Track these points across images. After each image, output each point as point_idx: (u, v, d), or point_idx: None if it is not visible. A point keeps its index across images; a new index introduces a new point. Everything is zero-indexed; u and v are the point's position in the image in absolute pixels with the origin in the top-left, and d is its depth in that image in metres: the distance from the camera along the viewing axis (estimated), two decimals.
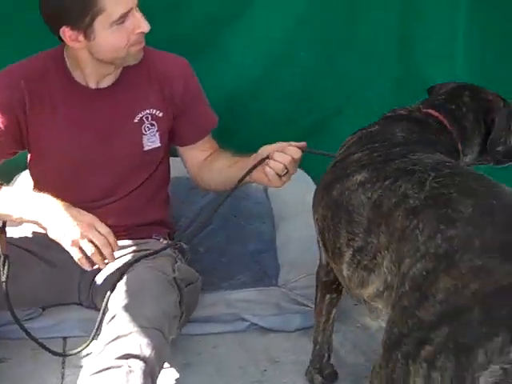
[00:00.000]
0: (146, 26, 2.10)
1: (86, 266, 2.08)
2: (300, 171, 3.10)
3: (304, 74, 3.05)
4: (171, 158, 2.51)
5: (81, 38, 2.10)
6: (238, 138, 2.91)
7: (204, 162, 2.42)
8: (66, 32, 2.10)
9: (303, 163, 2.13)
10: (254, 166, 2.13)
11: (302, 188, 2.79)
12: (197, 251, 2.69)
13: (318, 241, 2.04)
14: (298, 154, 2.09)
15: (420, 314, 1.36)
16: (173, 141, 2.43)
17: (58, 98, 2.24)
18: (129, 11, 2.07)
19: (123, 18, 2.07)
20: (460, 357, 1.26)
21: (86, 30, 2.08)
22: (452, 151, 1.98)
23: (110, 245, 2.06)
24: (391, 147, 1.83)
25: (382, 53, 3.04)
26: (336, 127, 3.08)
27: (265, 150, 2.14)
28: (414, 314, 1.38)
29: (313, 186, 2.90)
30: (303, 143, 2.13)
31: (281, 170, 2.09)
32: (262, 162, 2.12)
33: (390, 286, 1.59)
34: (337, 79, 3.06)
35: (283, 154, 2.08)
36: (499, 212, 1.44)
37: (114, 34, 2.09)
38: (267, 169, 2.10)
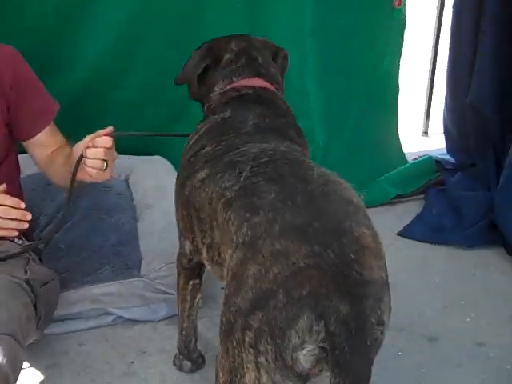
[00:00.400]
0: None
1: None
2: (157, 157, 3.12)
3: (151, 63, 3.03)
4: None
5: None
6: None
7: (49, 158, 2.32)
8: None
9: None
10: (75, 170, 2.06)
11: (161, 174, 2.77)
12: (58, 248, 2.62)
13: (178, 229, 2.04)
14: (108, 142, 1.98)
15: (238, 300, 1.40)
16: (15, 135, 2.32)
17: None
18: None
19: None
20: (276, 339, 1.32)
21: None
22: (297, 128, 2.03)
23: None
24: (235, 138, 1.80)
25: None
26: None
27: (78, 148, 2.05)
28: (234, 301, 1.41)
29: (172, 170, 2.92)
30: (109, 129, 2.01)
31: (100, 166, 1.98)
32: (79, 162, 2.03)
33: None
34: None
35: (95, 148, 1.99)
36: (301, 195, 1.48)
37: None
38: (88, 169, 2.01)
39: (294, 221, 1.41)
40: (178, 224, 2.02)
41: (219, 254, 1.67)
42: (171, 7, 2.95)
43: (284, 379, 1.36)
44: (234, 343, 1.41)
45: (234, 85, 2.04)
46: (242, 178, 1.57)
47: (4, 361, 1.91)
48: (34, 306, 2.12)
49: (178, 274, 2.19)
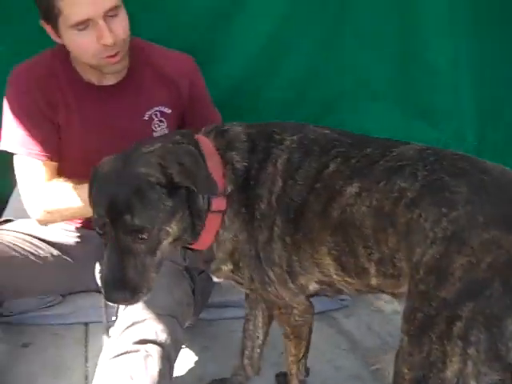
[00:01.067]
0: (107, 39, 2.07)
1: None
2: None
3: (306, 61, 3.04)
4: None
5: (54, 34, 2.17)
6: None
7: None
8: (45, 25, 2.17)
9: None
10: None
11: None
12: None
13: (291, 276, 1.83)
14: None
15: (442, 294, 1.43)
16: None
17: (69, 96, 2.28)
18: (87, 20, 2.07)
19: (81, 24, 2.08)
20: (491, 328, 1.35)
21: (54, 27, 2.14)
22: None
23: None
24: (357, 150, 1.74)
25: (383, 36, 3.02)
26: (341, 111, 3.08)
27: None
28: (436, 295, 1.44)
29: None
30: None
31: None
32: None
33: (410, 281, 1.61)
34: (339, 65, 3.05)
35: None
36: (491, 186, 1.52)
37: (77, 38, 2.11)
38: None
39: (496, 211, 1.45)
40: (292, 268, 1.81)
41: (394, 265, 1.64)
42: (319, 8, 2.94)
43: (490, 371, 1.38)
44: (434, 337, 1.43)
45: None
46: (419, 178, 1.58)
47: (168, 340, 2.05)
48: (193, 292, 2.24)
49: (298, 327, 1.97)
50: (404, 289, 1.65)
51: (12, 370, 2.38)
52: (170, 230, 1.70)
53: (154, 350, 2.03)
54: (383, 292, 1.82)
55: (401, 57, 3.01)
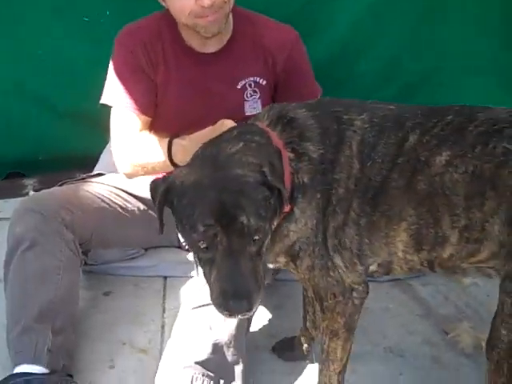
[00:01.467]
0: (204, 1, 2.09)
1: None
2: None
3: (406, 33, 3.01)
4: None
5: None
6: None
7: None
8: None
9: None
10: None
11: None
12: None
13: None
14: None
15: None
16: None
17: (170, 57, 2.32)
18: None
19: None
20: None
21: None
22: None
23: None
24: (436, 119, 1.71)
25: (487, 10, 2.95)
26: (437, 84, 3.04)
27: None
28: None
29: None
30: None
31: None
32: None
33: (504, 244, 1.60)
34: (439, 37, 3.00)
35: None
36: None
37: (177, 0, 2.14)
38: None
39: None
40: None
41: (482, 229, 1.62)
42: None
43: None
44: None
45: None
46: None
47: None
48: None
49: (353, 314, 1.87)
50: (481, 256, 1.65)
51: (92, 316, 2.49)
52: (271, 228, 1.66)
53: None
54: (432, 268, 1.77)
55: (505, 32, 2.99)
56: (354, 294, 1.83)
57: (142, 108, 2.31)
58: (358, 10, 2.94)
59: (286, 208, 1.71)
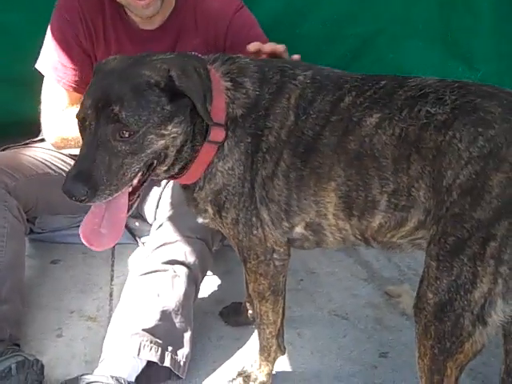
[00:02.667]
0: None
1: None
2: None
3: None
4: None
5: None
6: None
7: None
8: None
9: None
10: None
11: None
12: None
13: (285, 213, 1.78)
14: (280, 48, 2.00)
15: (477, 214, 1.46)
16: None
17: (111, 33, 2.27)
18: None
19: None
20: None
21: None
22: None
23: None
24: (371, 83, 1.72)
25: None
26: (378, 48, 3.06)
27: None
28: (471, 216, 1.47)
29: None
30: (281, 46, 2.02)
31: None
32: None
33: (430, 210, 1.62)
34: (377, 2, 3.02)
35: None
36: None
37: None
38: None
39: None
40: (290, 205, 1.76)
41: (409, 194, 1.64)
42: None
43: None
44: (465, 259, 1.48)
45: None
46: (447, 102, 1.59)
47: (196, 262, 2.14)
48: None
49: (276, 276, 1.88)
50: (409, 225, 1.67)
51: (41, 285, 2.49)
52: (167, 133, 1.63)
53: (182, 271, 2.12)
54: (367, 241, 1.79)
55: None
56: (275, 256, 1.84)
57: (74, 83, 2.27)
58: None
59: (217, 135, 1.71)
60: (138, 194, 1.70)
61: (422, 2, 3.01)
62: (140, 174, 1.65)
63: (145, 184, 1.70)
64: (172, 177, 1.81)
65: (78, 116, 1.64)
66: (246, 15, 2.33)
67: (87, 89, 1.68)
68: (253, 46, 1.97)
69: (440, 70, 2.88)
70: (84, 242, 1.66)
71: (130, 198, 1.68)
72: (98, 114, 1.59)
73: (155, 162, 1.66)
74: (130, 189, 1.67)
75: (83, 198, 1.57)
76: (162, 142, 1.64)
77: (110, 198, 1.60)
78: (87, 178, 1.56)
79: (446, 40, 3.06)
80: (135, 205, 1.72)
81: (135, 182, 1.66)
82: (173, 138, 1.65)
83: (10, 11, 2.92)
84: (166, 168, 1.72)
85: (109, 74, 1.67)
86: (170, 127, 1.63)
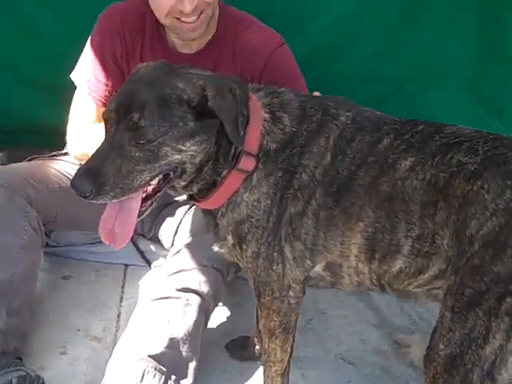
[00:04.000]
0: (186, 6, 2.03)
1: None
2: None
3: (380, 40, 3.02)
4: None
5: None
6: None
7: None
8: None
9: None
10: None
11: None
12: None
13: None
14: None
15: (497, 268, 1.45)
16: None
17: (147, 53, 2.28)
18: None
19: None
20: None
21: None
22: None
23: None
24: (409, 127, 1.74)
25: (463, 24, 2.99)
26: (411, 92, 3.07)
27: None
28: (490, 269, 1.46)
29: None
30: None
31: None
32: None
33: (451, 260, 1.60)
34: (413, 47, 3.03)
35: None
36: None
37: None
38: None
39: None
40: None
41: (433, 241, 1.64)
42: None
43: None
44: (480, 313, 1.46)
45: None
46: (480, 152, 1.59)
47: (209, 292, 2.13)
48: None
49: (289, 313, 1.87)
50: (429, 273, 1.67)
51: (49, 300, 2.47)
52: (184, 149, 1.63)
53: (195, 300, 2.10)
54: (383, 288, 1.78)
55: (479, 47, 3.00)
56: (291, 293, 1.83)
57: (104, 100, 2.28)
58: (335, 13, 2.92)
59: (247, 164, 1.72)
60: (151, 202, 1.73)
61: (460, 51, 3.00)
62: (155, 182, 1.68)
63: (159, 194, 1.72)
64: (195, 199, 1.82)
65: (103, 116, 1.68)
66: (285, 54, 2.31)
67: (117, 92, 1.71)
68: None
69: (469, 122, 2.87)
70: (103, 240, 1.73)
71: (142, 204, 1.70)
72: (118, 118, 1.61)
73: (171, 174, 1.68)
74: (144, 195, 1.69)
75: (87, 195, 1.62)
76: (178, 156, 1.65)
77: (115, 200, 1.64)
78: (95, 176, 1.60)
79: (480, 92, 3.06)
80: (147, 212, 1.74)
81: (150, 189, 1.69)
82: (191, 155, 1.66)
83: (52, 17, 2.91)
84: (184, 184, 1.74)
85: (139, 79, 1.69)
86: (188, 144, 1.64)
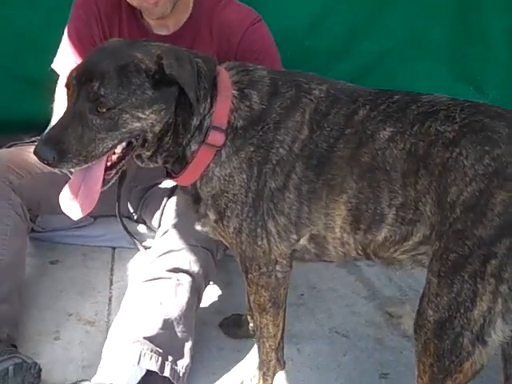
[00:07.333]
0: None
1: None
2: None
3: (364, 12, 3.01)
4: None
5: None
6: None
7: None
8: None
9: None
10: None
11: None
12: None
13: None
14: None
15: (478, 232, 1.46)
16: None
17: (125, 36, 2.24)
18: None
19: None
20: None
21: None
22: None
23: None
24: (385, 97, 1.74)
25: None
26: (388, 67, 3.07)
27: None
28: (472, 233, 1.47)
29: None
30: None
31: None
32: None
33: (435, 226, 1.62)
34: (389, 22, 3.03)
35: None
36: None
37: None
38: None
39: None
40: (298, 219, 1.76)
41: (416, 209, 1.64)
42: None
43: None
44: (466, 276, 1.47)
45: None
46: (457, 120, 1.60)
47: (200, 271, 2.12)
48: None
49: (277, 288, 1.87)
50: (413, 240, 1.68)
51: (39, 285, 2.45)
52: (143, 117, 1.65)
53: (186, 280, 2.09)
54: (368, 256, 1.79)
55: (456, 24, 3.04)
56: (278, 268, 1.83)
57: None
58: None
59: (215, 139, 1.72)
60: (116, 171, 1.73)
61: (436, 27, 3.03)
62: (119, 150, 1.71)
63: (124, 161, 1.73)
64: (171, 176, 1.84)
65: (65, 85, 1.70)
66: (261, 31, 2.29)
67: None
68: None
69: (450, 93, 2.90)
70: (63, 210, 1.72)
71: (107, 172, 1.71)
72: (80, 87, 1.64)
73: (134, 142, 1.69)
74: (109, 163, 1.70)
75: (50, 162, 1.63)
76: (138, 124, 1.67)
77: (78, 167, 1.65)
78: (56, 143, 1.62)
79: (457, 64, 3.10)
80: (112, 180, 1.75)
81: (114, 158, 1.70)
82: (151, 123, 1.68)
83: (29, 9, 2.90)
84: (149, 154, 1.76)
85: (101, 51, 1.73)
86: (147, 112, 1.66)
